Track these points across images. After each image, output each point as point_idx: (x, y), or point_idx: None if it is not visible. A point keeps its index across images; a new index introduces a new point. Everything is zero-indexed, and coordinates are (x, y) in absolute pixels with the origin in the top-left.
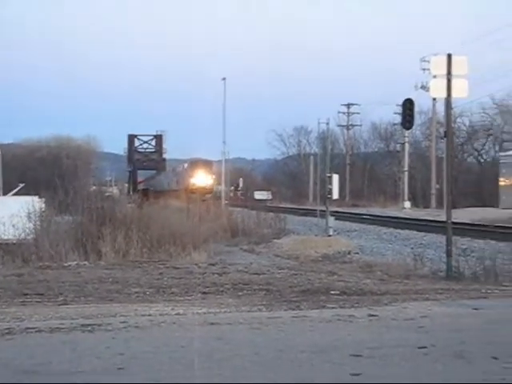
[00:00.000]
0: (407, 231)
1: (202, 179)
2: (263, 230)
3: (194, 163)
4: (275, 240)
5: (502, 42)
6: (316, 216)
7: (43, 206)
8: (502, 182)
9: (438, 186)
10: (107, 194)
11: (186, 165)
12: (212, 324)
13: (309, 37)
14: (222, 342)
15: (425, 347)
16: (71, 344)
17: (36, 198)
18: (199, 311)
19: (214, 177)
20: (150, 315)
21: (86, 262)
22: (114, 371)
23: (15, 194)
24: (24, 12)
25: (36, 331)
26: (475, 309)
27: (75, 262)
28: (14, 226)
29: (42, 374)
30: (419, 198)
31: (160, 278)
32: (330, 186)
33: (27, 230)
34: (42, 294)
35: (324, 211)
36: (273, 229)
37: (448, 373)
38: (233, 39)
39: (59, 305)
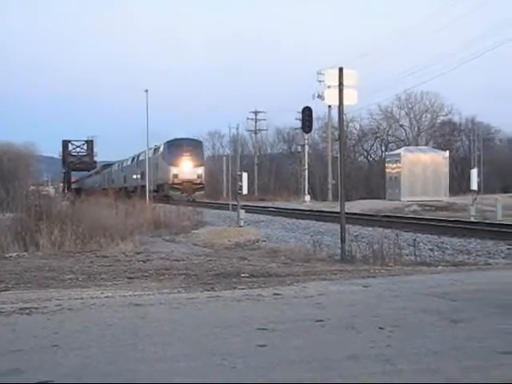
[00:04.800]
0: (307, 221)
1: (188, 169)
2: (183, 222)
3: (176, 144)
4: (193, 231)
5: (389, 57)
6: (229, 209)
7: None
8: (388, 177)
9: (333, 182)
10: (44, 192)
11: (161, 148)
12: (137, 305)
13: (218, 56)
14: (145, 321)
15: (321, 320)
16: (11, 325)
17: None
18: (125, 294)
19: (203, 165)
20: (82, 298)
21: (25, 253)
22: (49, 348)
23: None
24: None
25: None
26: (365, 286)
27: (16, 253)
28: None
29: None
30: (318, 192)
31: (91, 266)
32: (240, 183)
33: None
34: None
35: (236, 205)
36: (191, 221)
37: (341, 342)
38: (158, 54)
39: (1, 291)
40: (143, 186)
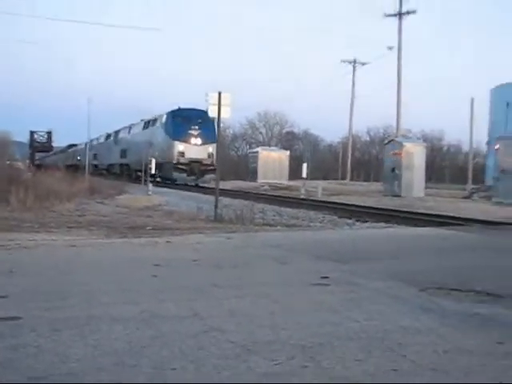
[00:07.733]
0: (195, 193)
1: (197, 146)
2: (110, 190)
3: (183, 116)
4: (117, 197)
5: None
6: (142, 183)
7: None
8: (250, 166)
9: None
10: (16, 167)
11: (162, 119)
12: (73, 246)
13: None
14: (78, 257)
15: (197, 260)
16: None
17: None
18: (66, 238)
19: (215, 142)
20: (35, 240)
21: None
22: (8, 273)
23: None
24: None
25: None
26: (228, 238)
27: None
28: None
29: None
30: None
31: (43, 218)
32: (150, 166)
33: None
34: None
35: (146, 180)
36: (116, 190)
37: (209, 275)
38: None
39: None
40: (122, 165)
